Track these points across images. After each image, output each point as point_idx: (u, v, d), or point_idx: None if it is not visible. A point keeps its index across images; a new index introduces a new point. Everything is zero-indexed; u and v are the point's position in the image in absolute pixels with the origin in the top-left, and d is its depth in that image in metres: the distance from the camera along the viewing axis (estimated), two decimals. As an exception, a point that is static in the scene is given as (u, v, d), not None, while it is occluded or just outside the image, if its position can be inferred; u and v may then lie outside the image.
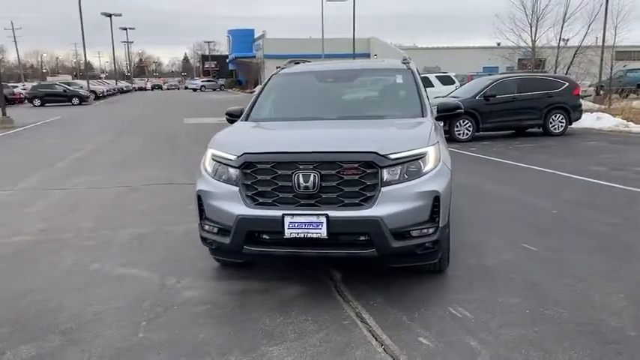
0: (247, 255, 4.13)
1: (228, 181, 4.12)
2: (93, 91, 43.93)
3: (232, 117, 5.41)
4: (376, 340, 3.47)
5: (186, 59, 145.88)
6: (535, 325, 3.63)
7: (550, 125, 14.59)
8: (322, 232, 3.85)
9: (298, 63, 6.33)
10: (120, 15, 52.67)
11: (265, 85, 5.69)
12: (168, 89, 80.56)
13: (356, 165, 3.90)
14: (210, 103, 38.93)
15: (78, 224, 6.49)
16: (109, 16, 52.35)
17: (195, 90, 66.00)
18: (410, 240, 3.96)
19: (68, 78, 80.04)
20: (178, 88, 79.83)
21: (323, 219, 3.84)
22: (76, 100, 38.11)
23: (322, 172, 3.90)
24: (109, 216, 6.93)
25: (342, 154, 3.94)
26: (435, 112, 5.18)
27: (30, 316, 3.96)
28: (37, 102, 37.51)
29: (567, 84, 14.93)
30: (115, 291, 4.39)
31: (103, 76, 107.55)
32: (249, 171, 4.03)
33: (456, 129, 14.02)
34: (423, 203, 3.95)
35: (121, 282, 4.60)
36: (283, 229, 3.89)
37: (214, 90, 67.08)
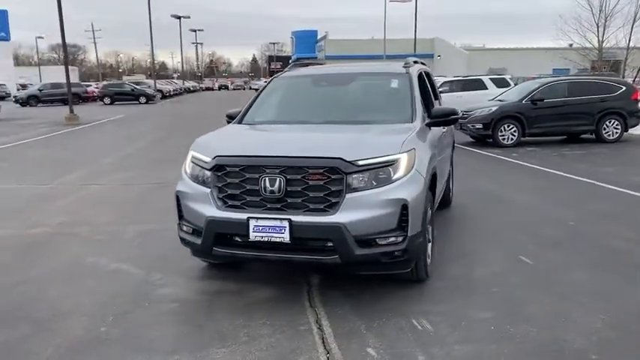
0: (218, 256, 4.20)
1: (203, 183, 4.21)
2: (160, 91, 45.75)
3: (232, 119, 5.51)
4: (324, 347, 3.44)
5: (254, 60, 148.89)
6: (495, 342, 3.49)
7: (604, 131, 13.82)
8: (285, 236, 3.87)
9: (307, 65, 6.36)
10: (188, 17, 54.57)
11: (264, 87, 5.76)
12: (234, 89, 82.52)
13: (321, 170, 3.88)
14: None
15: (96, 219, 6.81)
16: (179, 18, 54.28)
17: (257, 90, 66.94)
18: (375, 248, 3.90)
19: (142, 77, 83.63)
20: (244, 88, 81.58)
21: (286, 223, 3.85)
22: (142, 99, 39.81)
23: (288, 177, 3.91)
24: (128, 212, 7.22)
25: (307, 159, 3.94)
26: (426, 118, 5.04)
27: (12, 305, 4.21)
28: (107, 100, 39.51)
29: (624, 88, 14.09)
30: (100, 285, 4.58)
31: (175, 76, 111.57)
32: (220, 173, 4.11)
33: (500, 134, 13.57)
34: (390, 211, 3.88)
35: (110, 277, 4.79)
36: (248, 232, 3.94)
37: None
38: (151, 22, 40.79)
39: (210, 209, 4.10)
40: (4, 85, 50.31)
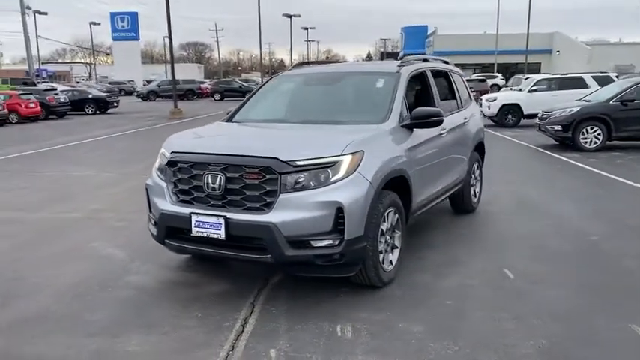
0: (172, 248, 4.39)
1: (164, 178, 4.42)
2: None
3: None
4: (231, 345, 3.50)
5: (369, 57, 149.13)
6: (403, 356, 3.33)
7: None
8: (221, 233, 3.96)
9: (309, 64, 6.36)
10: (299, 16, 55.98)
11: (261, 86, 5.87)
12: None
13: (256, 170, 3.92)
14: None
15: (127, 207, 7.33)
16: (289, 17, 55.87)
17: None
18: (309, 250, 3.88)
19: (258, 75, 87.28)
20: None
21: (222, 220, 3.95)
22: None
23: (228, 175, 4.00)
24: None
25: (244, 158, 3.99)
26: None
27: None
28: (217, 96, 41.78)
29: None
30: (85, 268, 4.97)
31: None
32: (173, 169, 4.30)
33: (581, 137, 12.50)
34: (325, 213, 3.83)
35: (98, 261, 5.18)
36: (191, 227, 4.08)
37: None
38: (260, 21, 42.43)
39: (164, 203, 4.30)
40: (132, 81, 55.07)
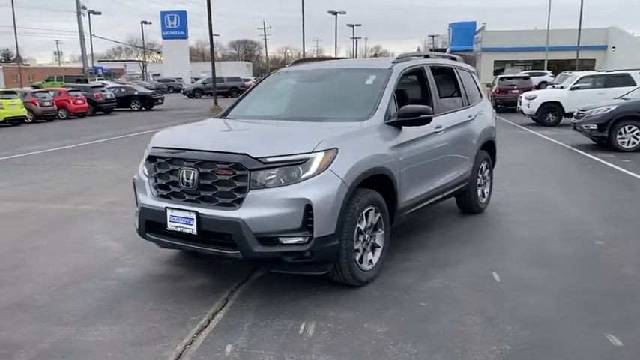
0: (154, 242, 4.47)
1: (147, 172, 4.51)
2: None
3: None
4: (191, 339, 3.53)
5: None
6: (357, 357, 3.28)
7: None
8: (193, 228, 4.01)
9: (308, 61, 6.34)
10: (344, 13, 55.84)
11: (258, 82, 5.90)
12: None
13: (227, 166, 3.94)
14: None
15: (140, 201, 7.50)
16: (335, 14, 55.82)
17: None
18: (278, 247, 3.88)
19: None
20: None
21: (193, 216, 3.99)
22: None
23: (201, 171, 4.04)
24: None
25: (216, 153, 4.02)
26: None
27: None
28: (260, 93, 42.12)
29: None
30: (79, 259, 5.13)
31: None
32: (153, 164, 4.38)
33: (618, 136, 11.94)
34: (294, 210, 3.82)
35: (94, 252, 5.34)
36: (166, 222, 4.15)
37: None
38: (304, 19, 42.59)
39: (145, 197, 4.40)
40: (180, 78, 56.37)
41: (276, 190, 3.85)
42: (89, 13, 48.90)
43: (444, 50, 71.65)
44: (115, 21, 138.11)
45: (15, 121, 22.17)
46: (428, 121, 4.79)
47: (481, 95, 6.90)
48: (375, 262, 4.48)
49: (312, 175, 3.88)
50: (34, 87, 34.93)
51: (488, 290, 4.29)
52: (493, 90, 25.10)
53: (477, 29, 58.25)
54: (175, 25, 60.31)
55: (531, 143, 13.64)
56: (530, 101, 18.65)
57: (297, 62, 6.34)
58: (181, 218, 4.06)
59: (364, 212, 4.27)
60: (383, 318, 3.80)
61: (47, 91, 25.50)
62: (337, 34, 56.30)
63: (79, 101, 25.86)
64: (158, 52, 79.46)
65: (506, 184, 8.37)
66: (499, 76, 26.48)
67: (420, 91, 5.61)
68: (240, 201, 3.90)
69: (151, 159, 4.38)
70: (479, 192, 6.57)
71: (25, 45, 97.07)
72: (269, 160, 3.88)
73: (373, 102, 4.73)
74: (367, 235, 4.40)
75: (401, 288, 4.35)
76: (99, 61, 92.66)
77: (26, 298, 4.22)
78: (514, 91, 23.39)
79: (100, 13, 49.47)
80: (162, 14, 60.60)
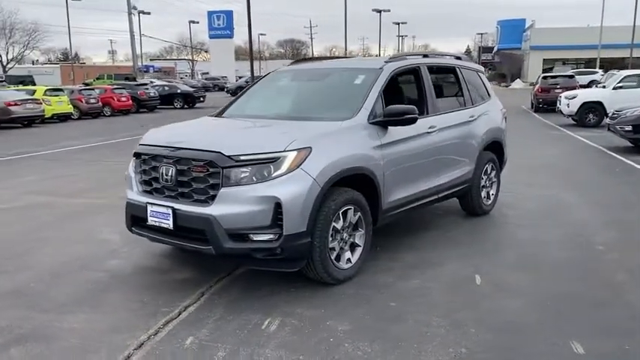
0: (138, 235, 4.63)
1: (134, 168, 4.68)
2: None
3: None
4: (156, 330, 3.64)
5: (467, 52, 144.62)
6: (313, 354, 3.33)
7: None
8: (169, 223, 4.15)
9: (306, 61, 6.38)
10: (388, 11, 55.47)
11: (256, 82, 6.00)
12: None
13: (201, 163, 4.05)
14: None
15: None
16: (379, 12, 55.52)
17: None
18: (248, 243, 3.96)
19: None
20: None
21: (170, 211, 4.13)
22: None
23: (178, 167, 4.17)
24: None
25: (192, 151, 4.14)
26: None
27: (6, 255, 5.19)
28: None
29: None
30: (78, 250, 5.35)
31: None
32: (138, 160, 4.54)
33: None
34: (264, 208, 3.89)
35: (95, 244, 5.56)
36: (147, 216, 4.30)
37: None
38: (346, 17, 42.59)
39: (131, 192, 4.57)
40: (225, 77, 57.37)
41: (247, 188, 3.93)
42: (139, 13, 50.44)
43: (491, 49, 70.15)
44: (166, 21, 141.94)
45: (62, 118, 23.17)
46: (413, 121, 4.76)
47: (489, 95, 6.77)
48: (354, 261, 4.50)
49: (283, 173, 3.94)
50: (85, 85, 36.32)
51: (466, 293, 4.24)
52: (535, 89, 24.45)
53: (526, 26, 56.68)
54: (222, 25, 61.47)
55: (563, 144, 13.23)
56: (569, 101, 18.04)
57: (296, 62, 6.40)
58: (160, 213, 4.21)
59: (341, 211, 4.29)
60: (349, 316, 3.82)
61: (93, 89, 26.52)
62: (384, 32, 56.11)
63: (123, 99, 26.74)
64: (206, 51, 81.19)
65: (522, 185, 8.20)
66: (542, 74, 25.74)
67: (414, 90, 5.56)
68: (213, 197, 4.00)
69: (137, 155, 4.55)
70: (483, 194, 6.46)
71: (82, 44, 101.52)
72: (242, 158, 3.97)
73: (358, 102, 4.74)
74: (345, 234, 4.42)
75: (377, 287, 4.35)
76: (151, 59, 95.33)
77: (21, 286, 4.46)
78: (557, 91, 22.64)
79: (149, 13, 50.95)
80: (210, 14, 61.89)
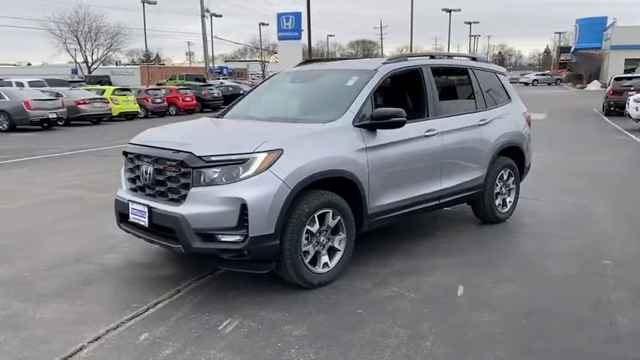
0: (125, 232, 4.77)
1: (124, 166, 4.84)
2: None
3: None
4: (117, 324, 3.74)
5: (546, 52, 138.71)
6: (253, 356, 3.31)
7: None
8: (146, 221, 4.26)
9: (312, 62, 6.33)
10: (459, 10, 54.13)
11: (261, 82, 6.03)
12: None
13: (174, 163, 4.12)
14: (531, 99, 36.38)
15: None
16: (449, 11, 54.33)
17: (526, 84, 62.83)
18: (215, 243, 3.99)
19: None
20: (526, 83, 76.30)
21: (146, 209, 4.24)
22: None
23: (155, 167, 4.27)
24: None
25: (167, 151, 4.22)
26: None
27: (8, 247, 5.52)
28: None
29: None
30: (81, 243, 5.56)
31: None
32: (126, 159, 4.69)
33: None
34: (230, 209, 3.91)
35: (98, 238, 5.76)
36: (129, 213, 4.44)
37: (549, 84, 62.43)
38: (413, 16, 41.99)
39: (120, 190, 4.73)
40: (292, 77, 57.85)
41: (215, 188, 3.96)
42: (211, 16, 52.09)
43: (568, 49, 66.82)
44: (242, 23, 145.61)
45: (128, 116, 24.32)
46: (401, 124, 4.62)
47: (509, 98, 6.46)
48: (332, 265, 4.43)
49: (251, 175, 3.94)
50: (159, 85, 37.93)
51: (440, 304, 4.07)
52: (606, 91, 23.09)
53: (606, 25, 53.58)
54: (290, 26, 62.10)
55: (622, 150, 12.40)
56: (638, 104, 16.90)
57: (304, 63, 6.36)
58: (138, 211, 4.32)
59: (317, 214, 4.24)
60: (309, 322, 3.77)
61: (159, 89, 27.65)
62: (459, 32, 54.79)
63: (188, 99, 27.71)
64: (275, 53, 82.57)
65: (554, 192, 7.80)
66: (614, 75, 24.24)
67: (413, 93, 5.41)
68: (184, 197, 4.06)
69: (125, 154, 4.69)
70: (498, 201, 6.17)
71: (164, 46, 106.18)
72: (212, 158, 4.00)
73: (345, 104, 4.66)
74: (323, 238, 4.36)
75: (352, 293, 4.26)
76: (226, 61, 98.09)
77: (15, 275, 4.71)
78: (630, 93, 21.25)
79: (220, 16, 52.46)
80: (279, 15, 62.63)
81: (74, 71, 59.44)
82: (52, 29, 56.88)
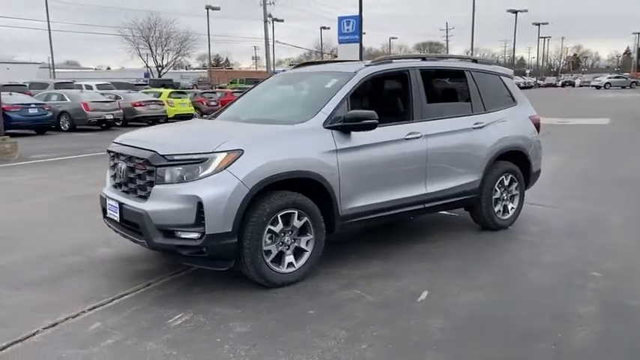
0: (108, 226, 5.00)
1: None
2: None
3: None
4: (76, 314, 3.92)
5: (626, 53, 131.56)
6: (189, 350, 3.40)
7: None
8: (117, 216, 4.46)
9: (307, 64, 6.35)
10: (525, 11, 52.38)
11: (256, 84, 6.15)
12: (580, 86, 74.46)
13: (141, 161, 4.30)
14: (599, 103, 34.83)
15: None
16: (515, 12, 52.67)
17: (597, 87, 59.72)
18: (175, 240, 4.13)
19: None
20: (597, 86, 72.78)
21: (117, 205, 4.44)
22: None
23: (128, 165, 4.47)
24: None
25: (137, 149, 4.40)
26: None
27: (10, 237, 5.90)
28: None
29: None
30: (82, 236, 5.84)
31: (527, 72, 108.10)
32: (109, 157, 4.92)
33: None
34: (188, 206, 4.04)
35: (99, 232, 5.92)
36: (106, 209, 4.66)
37: (623, 87, 58.90)
38: (474, 18, 41.06)
39: (104, 187, 4.97)
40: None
41: (176, 186, 4.10)
42: (273, 21, 53.13)
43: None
44: (303, 27, 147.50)
45: (184, 118, 25.15)
46: (372, 126, 4.59)
47: (514, 101, 6.24)
48: (298, 265, 4.46)
49: (209, 174, 4.05)
50: (220, 88, 39.04)
51: (396, 309, 4.01)
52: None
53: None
54: (351, 30, 62.30)
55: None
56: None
57: (300, 65, 6.42)
58: (112, 206, 4.54)
59: (280, 214, 4.28)
60: (257, 320, 3.82)
61: (215, 92, 28.46)
62: (529, 33, 53.00)
63: (242, 101, 28.32)
64: (335, 56, 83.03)
65: (571, 199, 7.48)
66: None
67: (397, 95, 5.35)
68: (150, 194, 4.22)
69: (108, 152, 4.93)
70: (497, 207, 5.97)
71: (232, 51, 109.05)
72: (175, 157, 4.14)
73: (318, 105, 4.69)
74: (288, 238, 4.40)
75: (313, 294, 4.28)
76: (290, 64, 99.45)
77: (9, 264, 5.04)
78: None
79: (282, 21, 53.44)
80: (340, 19, 63.00)
81: (146, 75, 62.16)
82: (126, 35, 60.01)
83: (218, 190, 4.01)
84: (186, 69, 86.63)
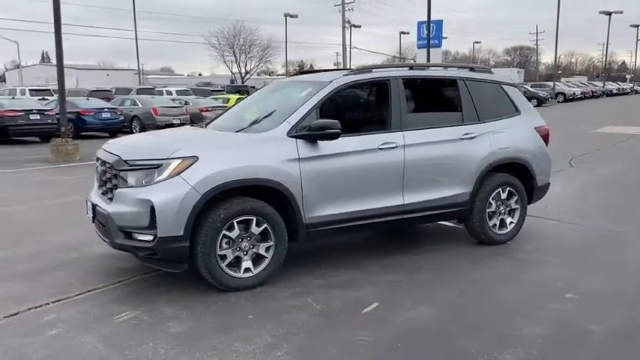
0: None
1: None
2: (561, 93, 43.44)
3: None
4: (43, 304, 4.26)
5: None
6: (122, 347, 3.59)
7: None
8: (91, 216, 4.78)
9: (307, 72, 6.39)
10: (620, 12, 49.03)
11: (255, 92, 6.33)
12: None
13: (109, 165, 4.58)
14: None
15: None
16: (608, 14, 49.54)
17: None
18: (132, 241, 4.37)
19: (583, 79, 79.85)
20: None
21: (91, 206, 4.75)
22: (534, 102, 38.79)
23: (103, 169, 4.77)
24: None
25: (107, 154, 4.70)
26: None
27: (24, 233, 6.41)
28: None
29: None
30: (81, 234, 6.02)
31: (628, 77, 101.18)
32: (97, 162, 5.26)
33: None
34: (142, 210, 4.26)
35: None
36: (88, 210, 5.00)
37: None
38: (559, 19, 39.12)
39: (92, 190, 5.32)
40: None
41: (134, 190, 4.34)
42: (350, 27, 53.41)
43: None
44: (382, 32, 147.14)
45: (250, 123, 25.96)
46: (334, 136, 4.61)
47: (517, 110, 5.97)
48: (256, 271, 4.55)
49: (163, 179, 4.25)
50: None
51: (336, 319, 4.00)
52: None
53: None
54: (431, 34, 61.29)
55: None
56: None
57: (297, 74, 6.50)
58: (89, 207, 4.86)
59: (236, 220, 4.40)
60: (196, 321, 3.95)
61: (283, 98, 29.03)
62: (627, 35, 49.68)
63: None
64: (413, 61, 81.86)
65: (595, 216, 6.98)
66: None
67: (375, 105, 5.30)
68: (114, 196, 4.49)
69: (97, 158, 5.26)
70: (493, 221, 5.74)
71: (316, 57, 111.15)
72: (136, 162, 4.39)
73: (285, 114, 4.77)
74: (245, 244, 4.51)
75: (263, 299, 4.35)
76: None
77: (12, 256, 5.49)
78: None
79: (359, 27, 53.49)
80: (419, 24, 62.17)
81: (232, 81, 64.48)
82: (213, 43, 62.67)
83: (169, 194, 4.20)
84: (270, 75, 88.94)
